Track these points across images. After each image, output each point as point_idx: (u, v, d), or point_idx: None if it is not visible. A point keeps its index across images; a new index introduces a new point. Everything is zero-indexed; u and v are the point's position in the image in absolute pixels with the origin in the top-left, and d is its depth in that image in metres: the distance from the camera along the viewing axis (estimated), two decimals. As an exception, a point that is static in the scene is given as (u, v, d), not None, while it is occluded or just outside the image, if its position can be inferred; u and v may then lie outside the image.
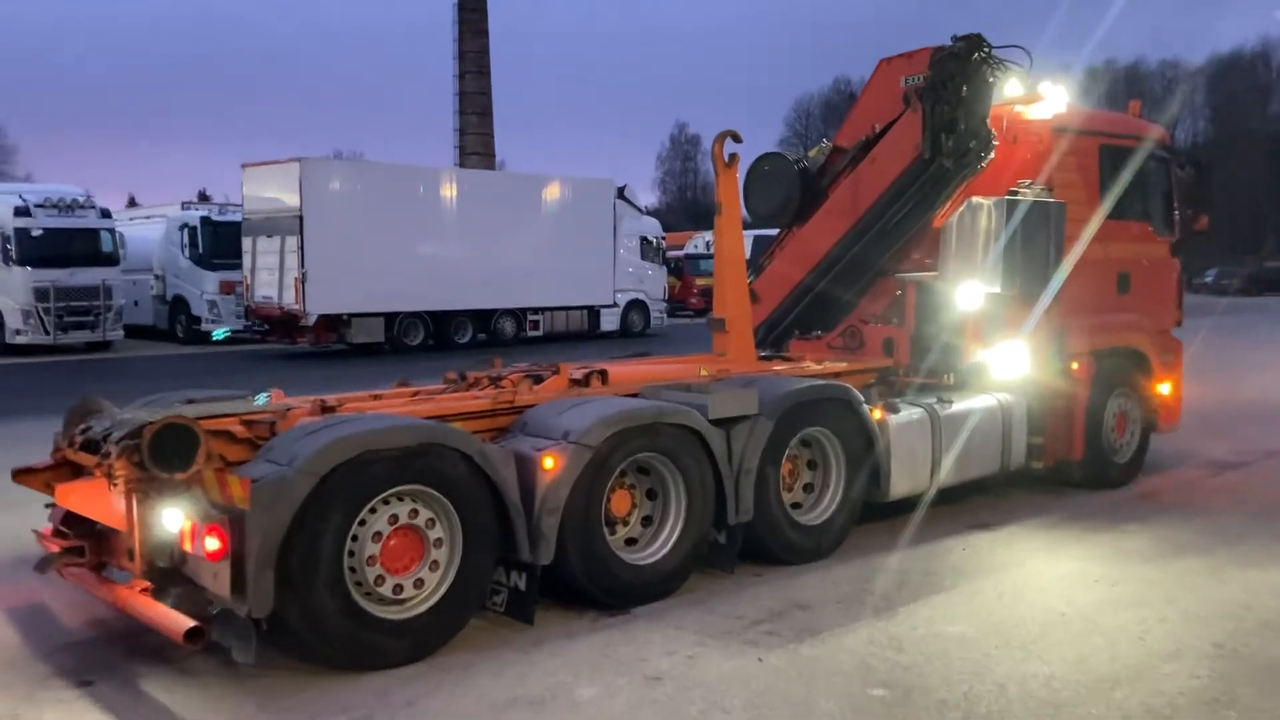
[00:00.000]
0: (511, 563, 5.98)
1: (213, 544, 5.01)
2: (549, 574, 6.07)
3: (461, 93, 62.10)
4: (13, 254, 25.46)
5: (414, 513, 5.54)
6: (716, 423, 6.78)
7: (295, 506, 5.07)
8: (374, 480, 5.35)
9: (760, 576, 7.02)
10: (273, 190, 24.84)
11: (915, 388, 8.66)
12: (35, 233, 25.66)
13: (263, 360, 24.76)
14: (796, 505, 7.51)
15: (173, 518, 5.26)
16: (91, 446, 5.74)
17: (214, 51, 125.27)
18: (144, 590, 5.40)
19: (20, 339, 25.63)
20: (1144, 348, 10.00)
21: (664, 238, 33.02)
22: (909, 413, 8.06)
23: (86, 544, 5.77)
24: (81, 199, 27.16)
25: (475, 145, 61.38)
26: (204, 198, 39.03)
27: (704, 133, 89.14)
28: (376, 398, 7.02)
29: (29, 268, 25.52)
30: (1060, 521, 8.49)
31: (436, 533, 5.61)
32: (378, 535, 5.41)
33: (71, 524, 5.85)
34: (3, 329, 25.99)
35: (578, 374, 7.29)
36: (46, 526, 6.23)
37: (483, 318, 27.57)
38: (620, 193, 30.52)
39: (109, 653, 5.69)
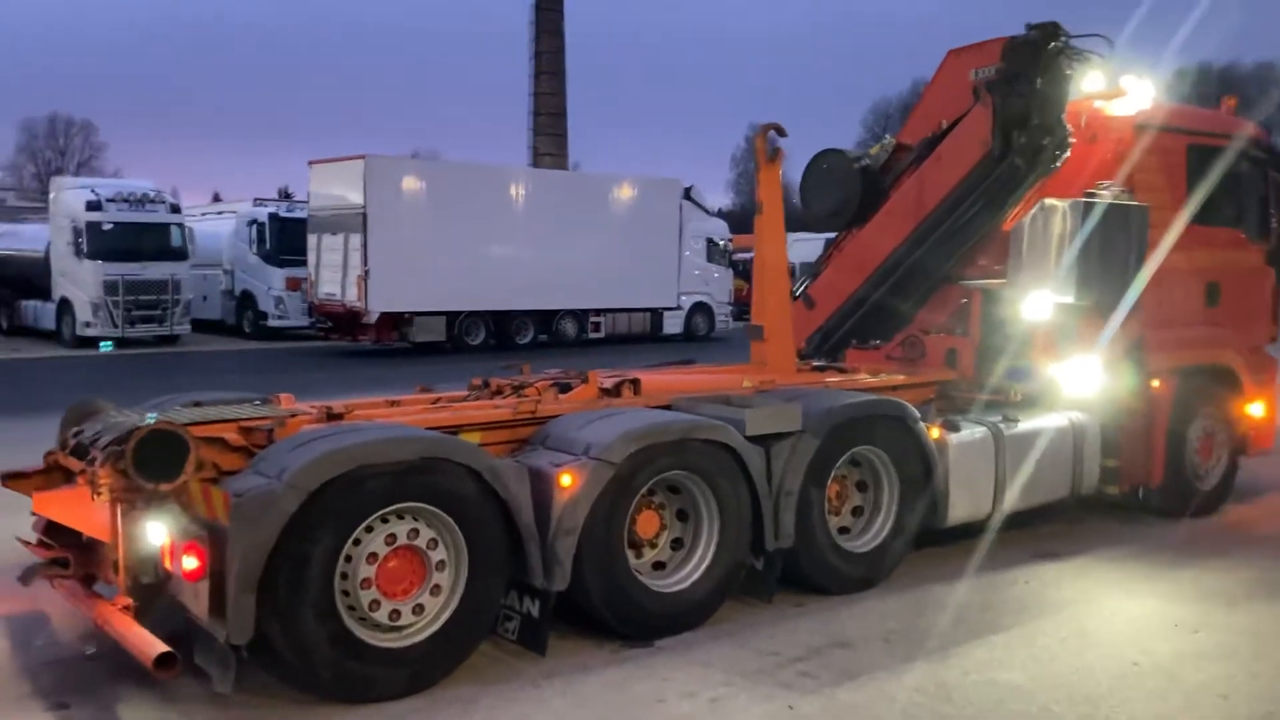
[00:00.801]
0: (525, 587, 5.52)
1: (190, 563, 4.63)
2: (567, 600, 5.59)
3: (536, 94, 62.36)
4: (84, 247, 25.75)
5: (414, 533, 5.09)
6: (755, 439, 6.24)
7: (281, 524, 4.66)
8: (370, 497, 4.92)
9: (801, 607, 6.47)
10: (338, 187, 24.77)
11: (979, 404, 8.01)
12: (106, 226, 25.92)
13: (325, 357, 24.74)
14: (844, 530, 6.93)
15: (157, 532, 4.89)
16: (81, 451, 5.40)
17: (303, 51, 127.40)
18: (126, 608, 5.04)
19: (89, 331, 25.91)
20: (1233, 364, 9.19)
21: (731, 239, 32.35)
22: (971, 431, 7.43)
23: (71, 555, 5.43)
24: (152, 193, 27.42)
25: (548, 147, 61.57)
26: (286, 195, 39.30)
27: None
28: (394, 404, 6.61)
29: (100, 261, 25.78)
30: (1135, 554, 7.78)
31: (439, 554, 5.17)
32: (373, 557, 4.98)
33: (55, 534, 5.52)
34: (73, 321, 26.32)
35: (608, 383, 6.80)
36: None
37: (544, 318, 27.24)
38: (687, 193, 29.97)
39: (92, 672, 5.34)
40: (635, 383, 6.84)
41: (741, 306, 37.78)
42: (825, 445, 6.51)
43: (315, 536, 4.77)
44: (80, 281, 26.06)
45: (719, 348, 27.31)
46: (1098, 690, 5.19)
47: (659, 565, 6.13)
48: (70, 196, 26.70)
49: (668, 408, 6.59)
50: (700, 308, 30.86)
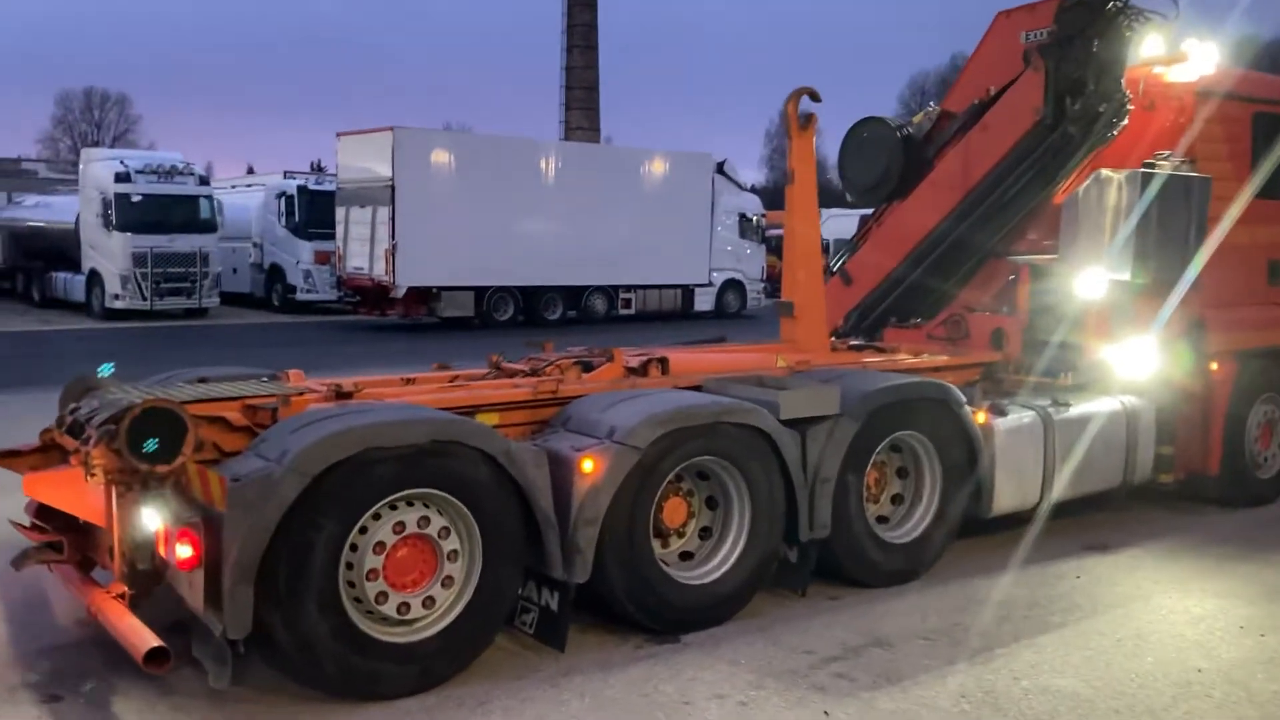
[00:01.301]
0: (544, 578, 5.19)
1: (184, 551, 4.32)
2: (589, 590, 5.26)
3: (568, 67, 61.80)
4: (113, 219, 25.63)
5: (425, 520, 4.77)
6: (790, 423, 5.87)
7: (281, 511, 4.34)
8: (377, 482, 4.59)
9: (836, 600, 6.11)
10: (366, 160, 24.46)
11: (1027, 387, 7.59)
12: (135, 198, 25.78)
13: (352, 331, 24.55)
14: (882, 519, 6.56)
15: (153, 516, 4.59)
16: (77, 430, 5.11)
17: (338, 25, 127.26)
18: (121, 596, 4.75)
19: (118, 304, 25.83)
20: (1297, 347, 8.71)
21: (765, 215, 31.82)
22: (1019, 416, 7.01)
23: (66, 539, 5.15)
24: (180, 165, 27.24)
25: (580, 120, 61.09)
26: (318, 168, 39.15)
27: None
28: (409, 382, 6.29)
29: (128, 233, 25.66)
30: (1193, 546, 7.35)
31: (451, 544, 4.84)
32: (380, 546, 4.66)
33: (50, 516, 5.23)
34: (103, 293, 26.26)
35: (634, 362, 6.44)
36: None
37: (574, 295, 26.87)
38: (719, 168, 29.45)
39: (88, 662, 5.07)
40: (663, 362, 6.48)
41: (774, 283, 37.30)
42: (864, 430, 6.12)
43: (318, 524, 4.45)
44: (109, 253, 25.98)
45: (751, 325, 26.89)
46: (1160, 700, 4.79)
47: (686, 556, 5.79)
48: (99, 168, 26.58)
49: (697, 389, 6.23)
50: (732, 284, 30.38)
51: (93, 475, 4.67)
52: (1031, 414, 7.09)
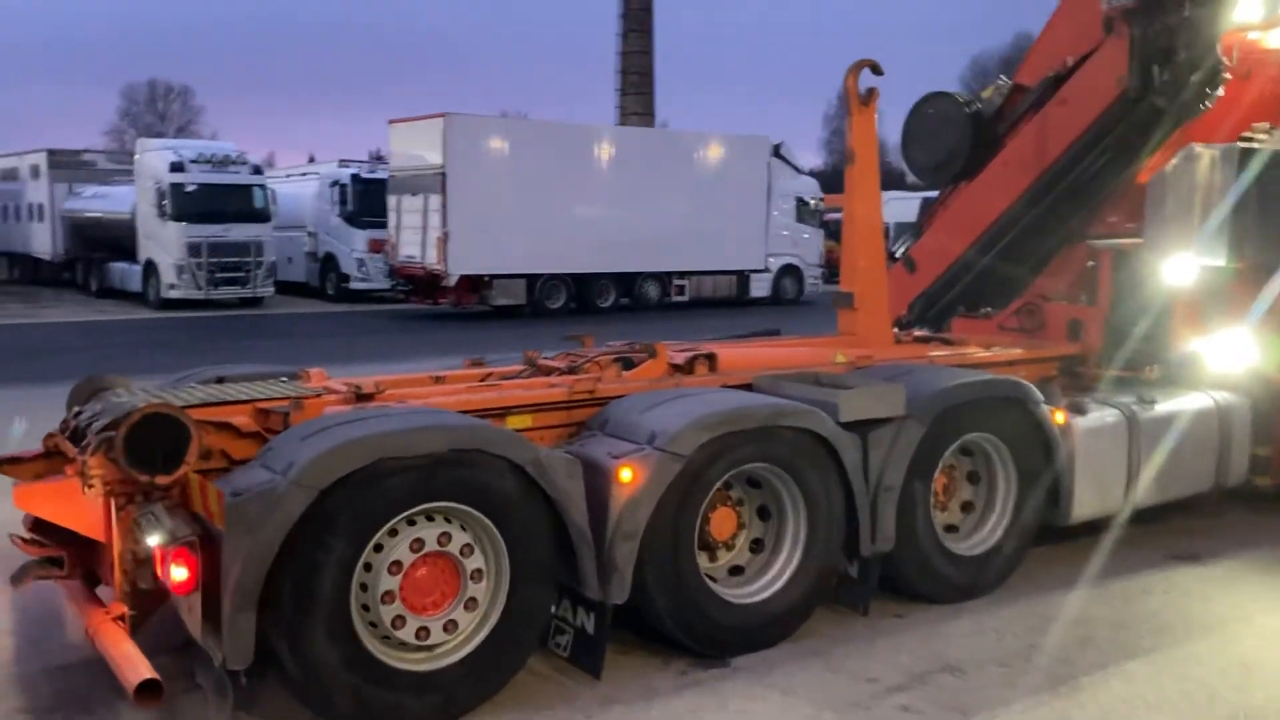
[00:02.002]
0: (579, 597, 4.75)
1: (179, 573, 3.94)
2: (629, 607, 4.81)
3: (624, 52, 61.30)
4: (168, 209, 25.67)
5: (445, 537, 4.35)
6: (850, 426, 5.36)
7: (286, 529, 3.94)
8: (392, 496, 4.17)
9: (901, 619, 5.60)
10: (417, 147, 24.20)
11: (1108, 382, 6.99)
12: (189, 188, 25.79)
13: (404, 320, 24.34)
14: (951, 529, 6.02)
15: (150, 532, 4.22)
16: (79, 436, 4.76)
17: (394, 14, 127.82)
18: (121, 617, 4.39)
19: (173, 294, 25.90)
20: None
21: (822, 199, 31.07)
22: (1100, 415, 6.42)
23: (67, 553, 4.80)
24: (234, 154, 27.22)
25: (635, 106, 60.59)
26: (377, 158, 39.03)
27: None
28: (438, 380, 5.88)
29: (183, 222, 25.68)
30: (1293, 557, 6.72)
31: (475, 562, 4.41)
32: (397, 566, 4.25)
33: (48, 528, 4.89)
34: (158, 283, 26.35)
35: (679, 358, 5.96)
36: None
37: (626, 281, 26.40)
38: (776, 150, 28.74)
39: (92, 685, 4.72)
40: (710, 358, 5.99)
41: (833, 269, 36.55)
42: (933, 433, 5.59)
43: (327, 543, 4.04)
44: (164, 243, 26.05)
45: (809, 313, 26.22)
46: (1274, 745, 4.24)
47: (736, 571, 5.31)
48: (154, 158, 26.65)
49: (747, 388, 5.74)
50: (789, 270, 29.69)
51: (90, 487, 4.32)
52: (1114, 412, 6.50)
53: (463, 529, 4.40)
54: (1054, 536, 6.45)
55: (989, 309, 8.15)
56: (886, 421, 5.49)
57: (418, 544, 4.28)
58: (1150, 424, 6.57)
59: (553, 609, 4.82)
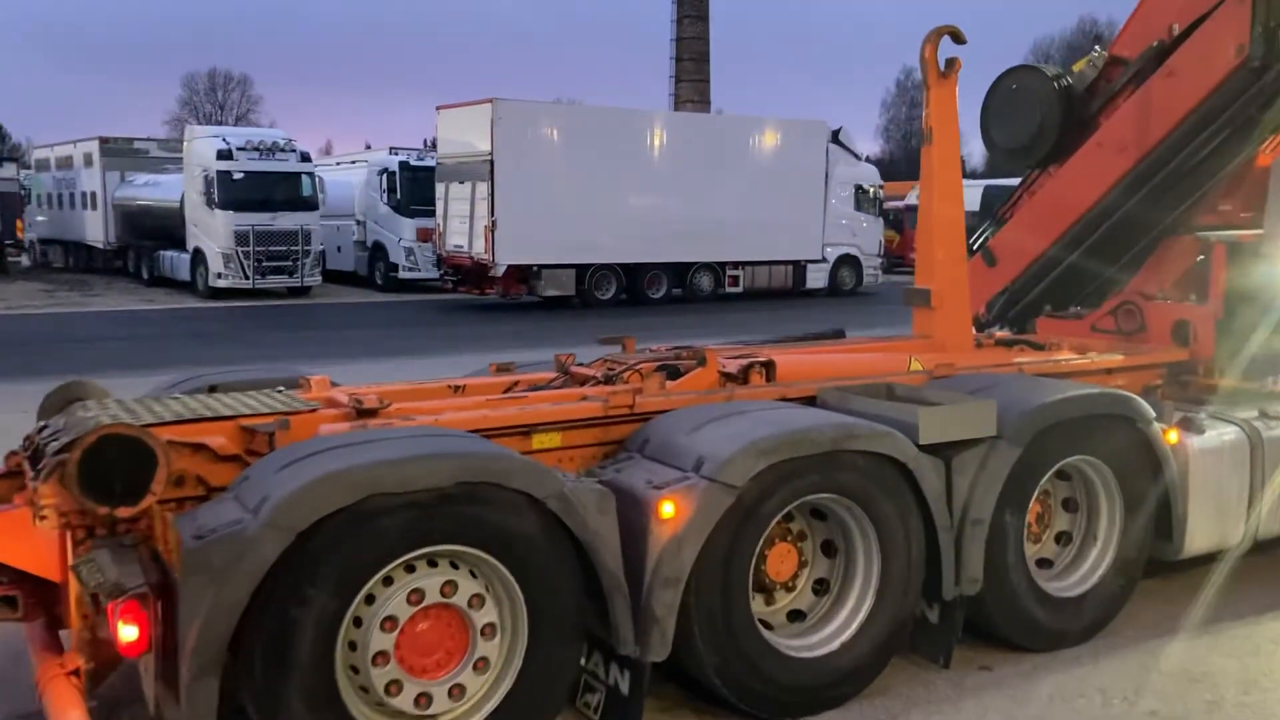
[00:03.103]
0: (613, 650, 4.04)
1: (128, 632, 3.29)
2: (671, 662, 4.10)
3: (678, 38, 60.47)
4: (215, 197, 25.37)
5: (450, 587, 3.66)
6: (931, 449, 4.59)
7: (256, 579, 3.28)
8: (386, 539, 3.49)
9: (989, 673, 4.83)
10: (465, 134, 23.61)
11: (1224, 394, 6.13)
12: (236, 176, 25.45)
13: (450, 311, 23.82)
14: (1044, 564, 5.23)
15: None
16: (40, 456, 4.14)
17: (443, 3, 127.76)
18: (76, 671, 3.76)
19: (221, 282, 25.60)
20: None
21: (882, 186, 30.03)
22: (1218, 433, 5.57)
23: (20, 593, 4.17)
24: (282, 142, 26.83)
25: (690, 93, 59.76)
26: (431, 146, 38.63)
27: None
28: (457, 389, 5.19)
29: (230, 211, 25.37)
30: None
31: (486, 616, 3.72)
32: (392, 622, 3.56)
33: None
34: (206, 272, 26.08)
35: (731, 366, 5.22)
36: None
37: (679, 272, 25.61)
38: (834, 136, 27.73)
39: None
40: (768, 366, 5.24)
41: (892, 259, 35.48)
42: (1028, 457, 4.80)
43: (306, 596, 3.37)
44: (212, 232, 25.76)
45: (868, 305, 25.34)
46: None
47: (796, 616, 4.58)
48: (201, 145, 26.34)
49: (810, 401, 4.99)
50: (847, 260, 28.68)
51: (43, 518, 3.69)
52: (1234, 430, 5.64)
53: (472, 576, 3.71)
54: (1160, 570, 5.62)
55: (1079, 308, 7.31)
56: (974, 443, 4.71)
57: (417, 595, 3.59)
58: (1275, 443, 5.70)
59: (581, 661, 4.12)
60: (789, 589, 4.57)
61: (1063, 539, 5.32)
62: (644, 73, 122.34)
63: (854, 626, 4.49)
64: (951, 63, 6.18)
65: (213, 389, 5.00)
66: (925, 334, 6.36)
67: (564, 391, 4.97)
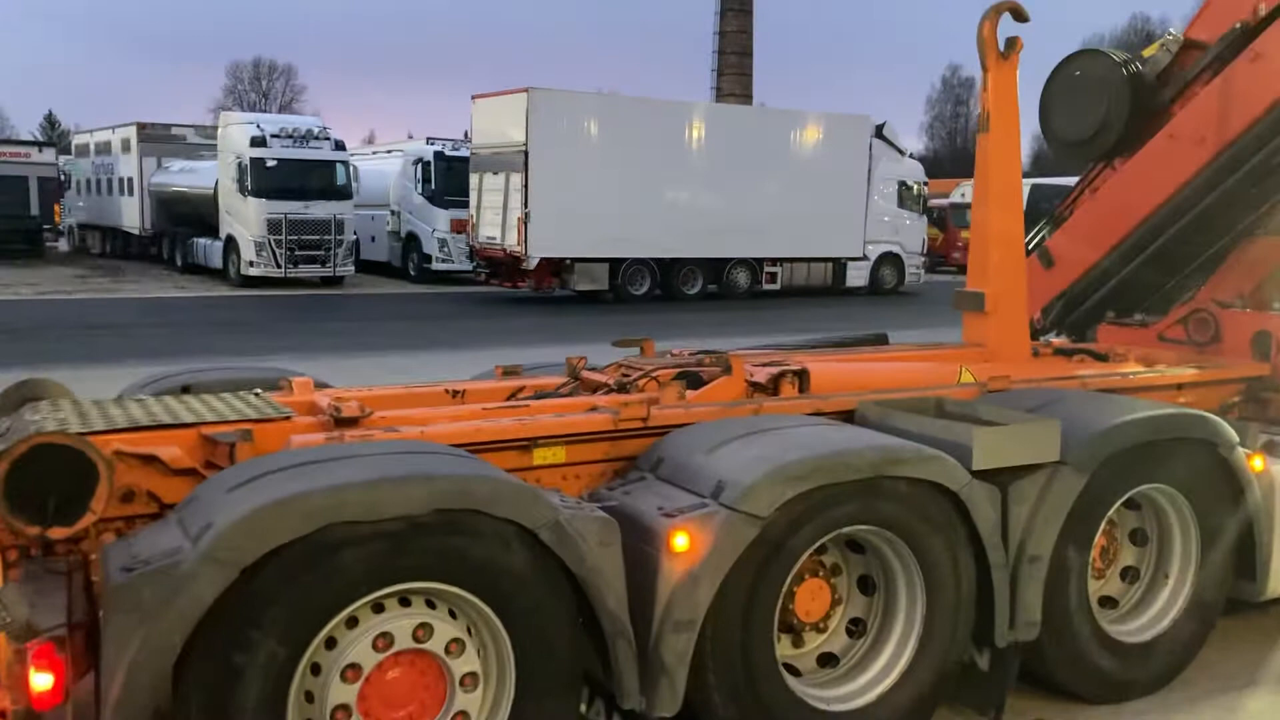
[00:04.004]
0: (615, 700, 3.52)
1: (41, 680, 2.82)
2: (684, 715, 3.58)
3: (721, 32, 59.98)
4: (248, 184, 25.11)
5: (425, 630, 3.16)
6: (985, 475, 4.03)
7: (192, 620, 2.80)
8: (348, 576, 2.99)
9: (1044, 727, 4.27)
10: (500, 123, 23.16)
11: (1311, 415, 5.52)
12: (270, 163, 25.18)
13: (480, 304, 23.38)
14: (1107, 602, 4.66)
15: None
16: (-22, 464, 3.69)
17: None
18: (2, 715, 3.31)
19: (253, 271, 25.36)
20: None
21: (926, 183, 29.25)
22: (1307, 459, 4.96)
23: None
24: (317, 130, 26.56)
25: (733, 86, 59.27)
26: (469, 137, 38.34)
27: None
28: (456, 395, 4.70)
29: (263, 199, 25.11)
30: None
31: (467, 664, 3.21)
32: (355, 670, 3.07)
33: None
34: (238, 259, 25.86)
35: (759, 375, 4.68)
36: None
37: (715, 267, 25.01)
38: (879, 131, 27.00)
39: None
40: (800, 375, 4.70)
41: (935, 257, 34.64)
42: (1095, 485, 4.23)
43: (251, 641, 2.89)
44: (244, 219, 25.54)
45: (910, 304, 24.64)
46: None
47: (827, 660, 4.04)
48: (235, 132, 26.13)
49: (848, 417, 4.45)
50: (889, 258, 27.92)
51: (-35, 539, 3.25)
52: (1324, 455, 5.03)
53: (451, 617, 3.21)
54: (1240, 613, 5.03)
55: (1142, 316, 6.71)
56: (1033, 469, 4.15)
57: (385, 640, 3.10)
58: (1369, 471, 5.08)
59: (581, 707, 3.61)
60: (820, 629, 4.04)
61: (1129, 575, 4.75)
62: (687, 67, 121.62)
63: (894, 674, 3.95)
64: (1012, 43, 5.60)
65: (186, 389, 4.55)
66: (977, 341, 5.79)
67: (572, 400, 4.46)
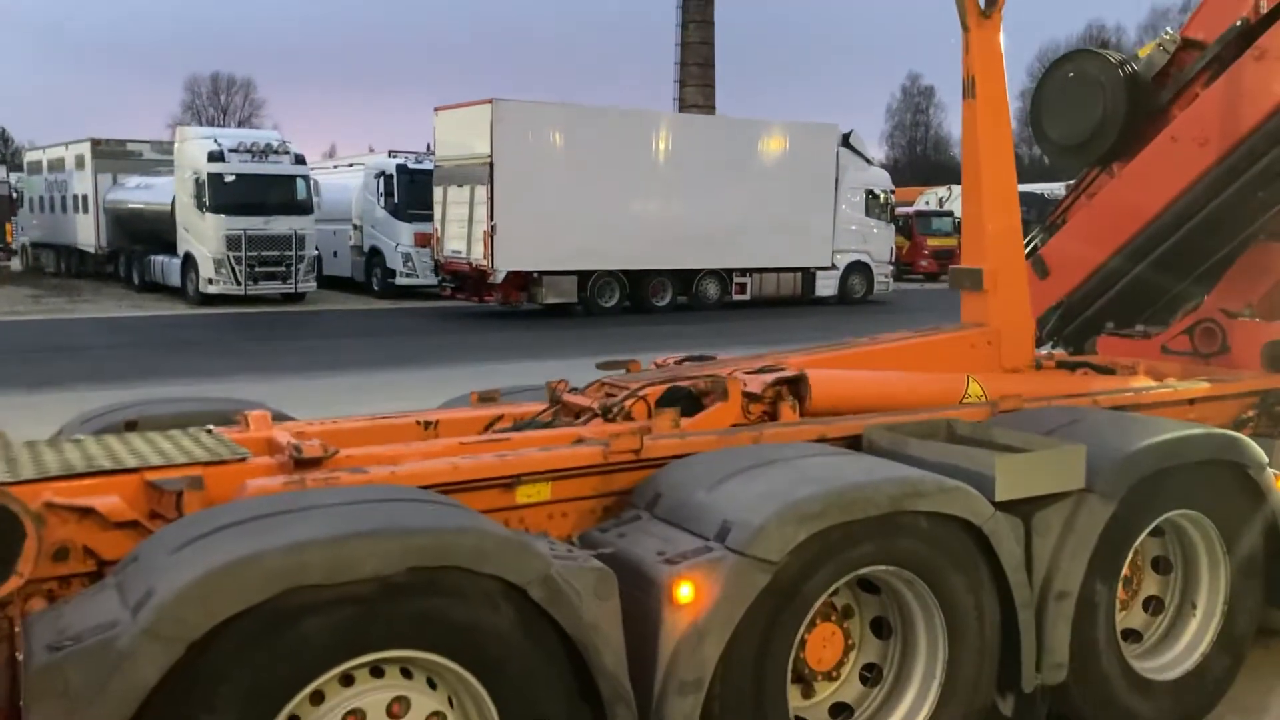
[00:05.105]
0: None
1: (-48, 781, 2.42)
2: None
3: (684, 43, 59.95)
4: (206, 200, 24.52)
5: (400, 705, 2.78)
6: (1007, 505, 3.71)
7: (131, 706, 2.41)
8: (312, 648, 2.61)
9: (1072, 776, 3.94)
10: (464, 135, 22.76)
11: (1330, 429, 5.27)
12: (229, 179, 24.58)
13: (448, 319, 22.94)
14: (1131, 635, 4.36)
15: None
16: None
17: (449, 5, 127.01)
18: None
19: (212, 289, 24.73)
20: None
21: (893, 191, 29.14)
22: (1333, 477, 4.69)
23: None
24: (276, 144, 25.98)
25: (695, 97, 59.32)
26: (431, 150, 37.93)
27: (938, 83, 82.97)
28: (428, 426, 4.32)
29: (222, 215, 24.51)
30: None
31: (448, 739, 2.85)
32: (321, 753, 2.69)
33: None
34: (197, 277, 25.23)
35: (754, 385, 4.32)
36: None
37: (684, 279, 24.72)
38: (845, 140, 26.85)
39: None
40: (797, 383, 4.35)
41: (902, 266, 34.56)
42: (1122, 513, 3.92)
43: (200, 725, 2.50)
44: (202, 236, 24.91)
45: (880, 313, 24.45)
46: None
47: (840, 710, 3.70)
48: (193, 147, 25.50)
49: (854, 444, 4.12)
50: (857, 267, 27.75)
51: (-125, 605, 2.84)
52: (1349, 473, 4.76)
53: (430, 686, 2.84)
54: (1269, 641, 4.75)
55: (1143, 326, 6.45)
56: (1056, 498, 3.84)
57: (356, 717, 2.72)
58: (1397, 488, 4.82)
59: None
60: (832, 678, 3.70)
61: (1152, 606, 4.45)
62: (648, 78, 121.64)
63: (914, 725, 3.62)
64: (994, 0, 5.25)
65: (131, 425, 4.14)
66: (978, 320, 5.41)
67: (557, 432, 4.09)
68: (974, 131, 5.34)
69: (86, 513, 3.08)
